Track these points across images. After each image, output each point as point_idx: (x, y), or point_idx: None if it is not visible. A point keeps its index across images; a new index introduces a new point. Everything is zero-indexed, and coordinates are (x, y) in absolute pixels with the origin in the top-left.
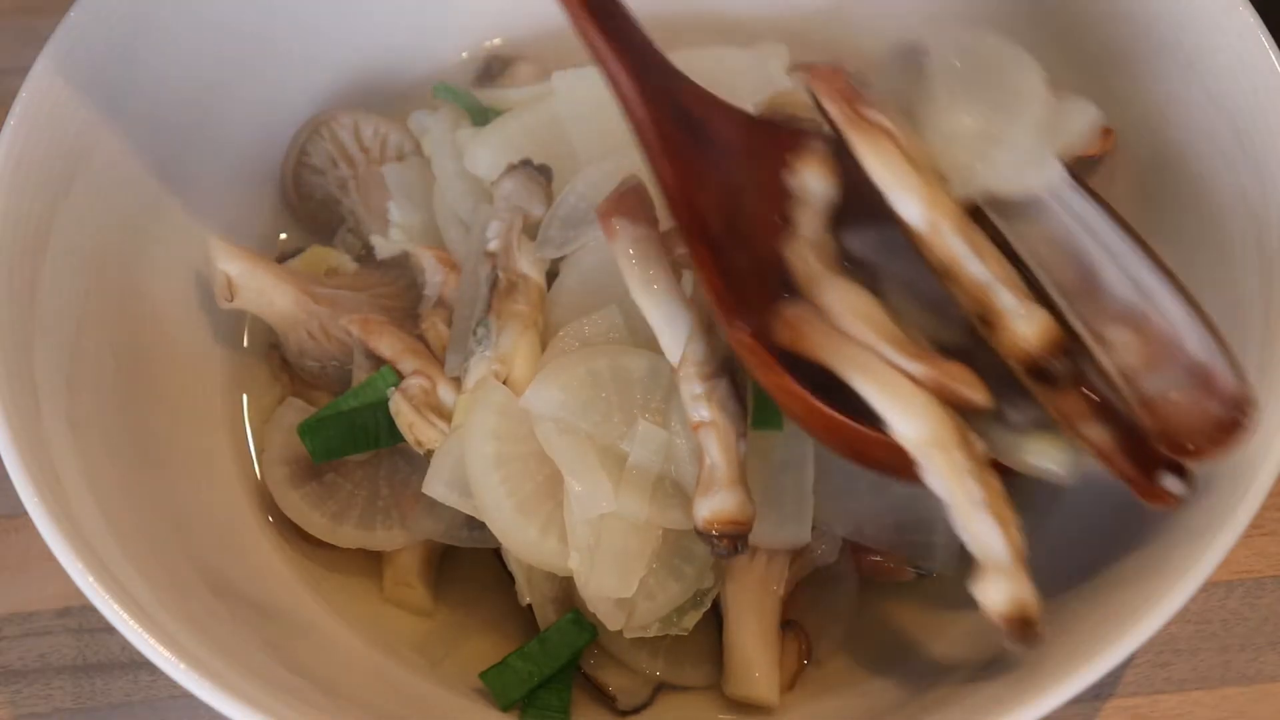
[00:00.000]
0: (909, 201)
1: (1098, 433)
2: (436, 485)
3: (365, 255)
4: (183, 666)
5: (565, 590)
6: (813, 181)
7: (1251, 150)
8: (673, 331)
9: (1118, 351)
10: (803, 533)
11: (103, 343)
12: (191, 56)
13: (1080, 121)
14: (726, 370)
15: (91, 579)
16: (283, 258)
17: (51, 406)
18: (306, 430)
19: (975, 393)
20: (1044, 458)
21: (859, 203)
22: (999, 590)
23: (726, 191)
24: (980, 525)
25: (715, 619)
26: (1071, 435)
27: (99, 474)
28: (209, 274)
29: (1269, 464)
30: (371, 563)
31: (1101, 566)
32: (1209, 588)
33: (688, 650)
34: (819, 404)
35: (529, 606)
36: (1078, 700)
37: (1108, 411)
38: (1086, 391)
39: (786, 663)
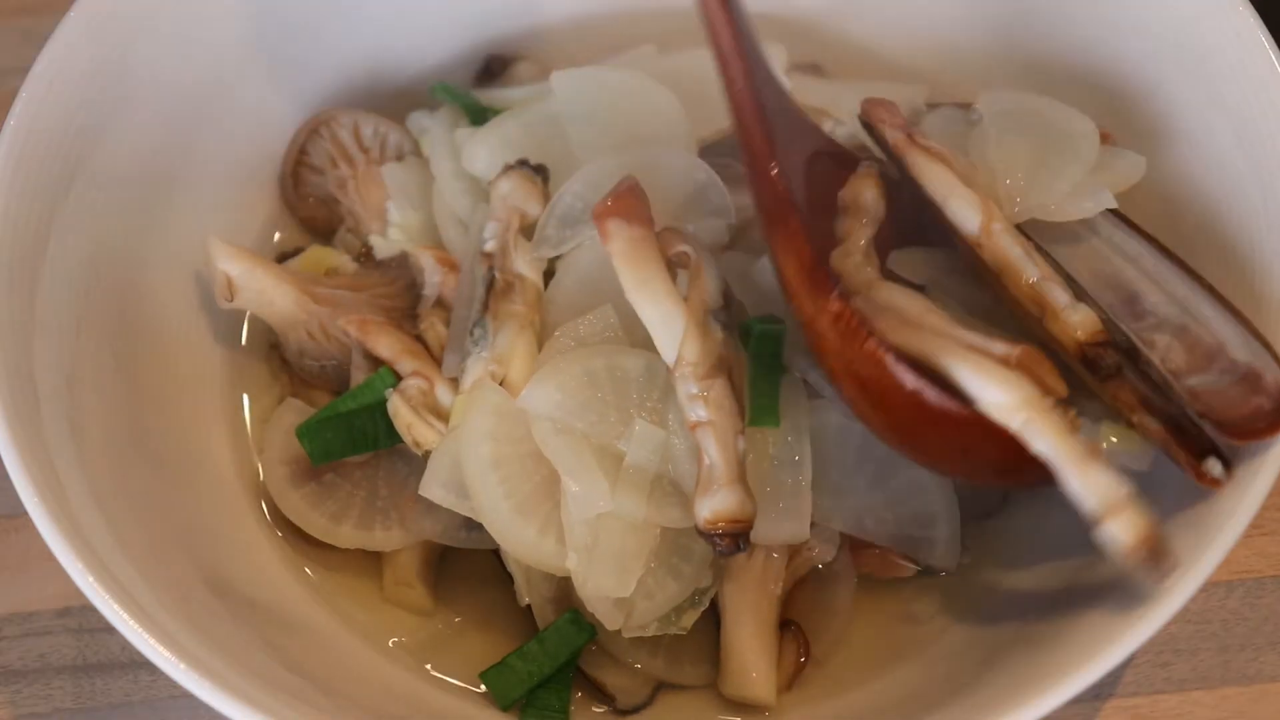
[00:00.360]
0: (965, 209)
1: (1150, 420)
2: (433, 487)
3: (364, 255)
4: (183, 666)
5: (564, 590)
6: (869, 195)
7: (1251, 150)
8: (669, 331)
9: (1163, 354)
10: (801, 529)
11: (103, 343)
12: (191, 56)
13: (1129, 170)
14: (722, 369)
15: (91, 579)
16: (282, 258)
17: (51, 406)
18: (305, 432)
19: (1053, 376)
20: (1124, 441)
21: (903, 228)
22: (1127, 527)
23: (800, 183)
24: (1093, 473)
25: (714, 617)
26: (1129, 421)
27: (99, 474)
28: (209, 274)
29: (1269, 464)
30: (371, 563)
31: (1102, 566)
32: (1209, 588)
33: (686, 649)
34: (907, 372)
35: (528, 607)
36: (1078, 700)
37: (1157, 401)
38: (1135, 383)
39: (784, 662)
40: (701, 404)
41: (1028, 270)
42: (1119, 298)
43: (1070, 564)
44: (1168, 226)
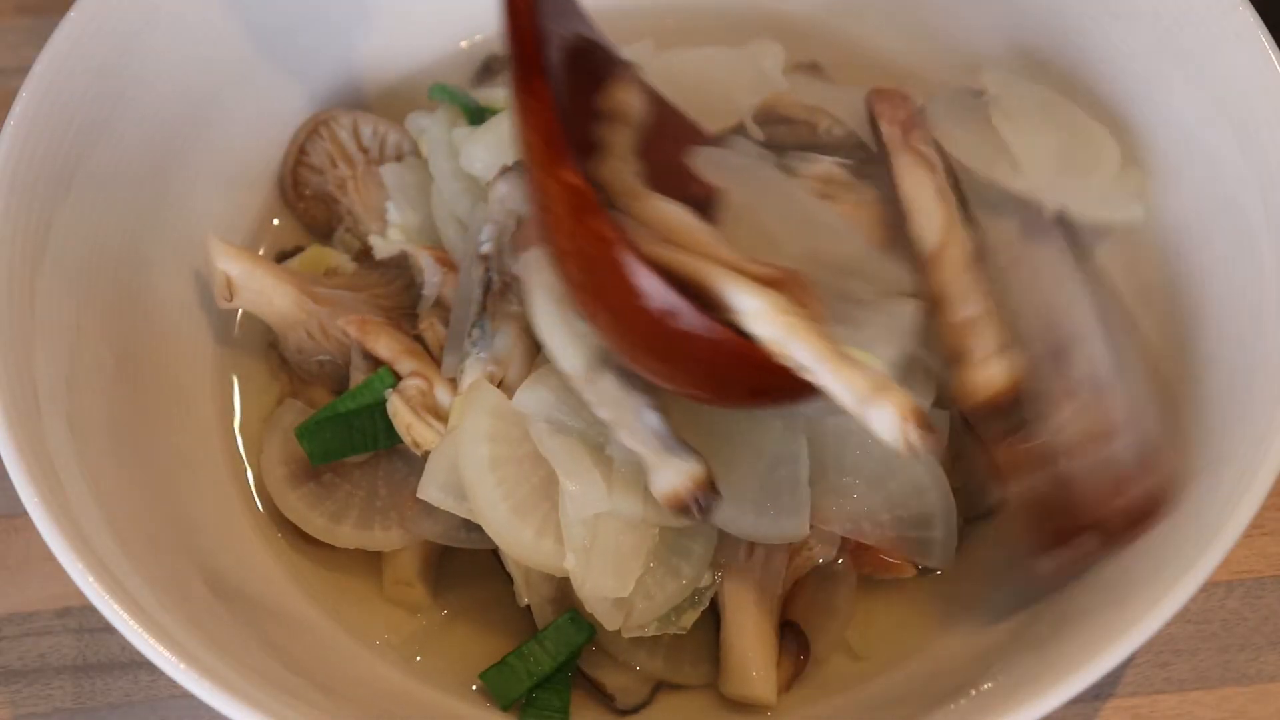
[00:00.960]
0: (928, 224)
1: (1023, 484)
2: (431, 489)
3: (363, 255)
4: (182, 666)
5: (563, 591)
6: (632, 101)
7: (1252, 151)
8: (571, 354)
9: (1063, 424)
10: (800, 527)
11: (102, 342)
12: (191, 56)
13: (1145, 187)
14: (606, 365)
15: (92, 579)
16: (281, 257)
17: (51, 407)
18: (304, 433)
19: (814, 301)
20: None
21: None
22: (890, 407)
23: (561, 69)
24: (848, 366)
25: (715, 617)
26: (998, 474)
27: (99, 474)
28: (208, 274)
29: (1269, 464)
30: (370, 562)
31: (1101, 567)
32: (1209, 588)
33: (686, 649)
34: (645, 268)
35: (527, 607)
36: (1078, 700)
37: (1038, 467)
38: (1023, 443)
39: (784, 662)
40: (602, 406)
41: (964, 305)
42: (1051, 346)
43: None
44: (1166, 228)
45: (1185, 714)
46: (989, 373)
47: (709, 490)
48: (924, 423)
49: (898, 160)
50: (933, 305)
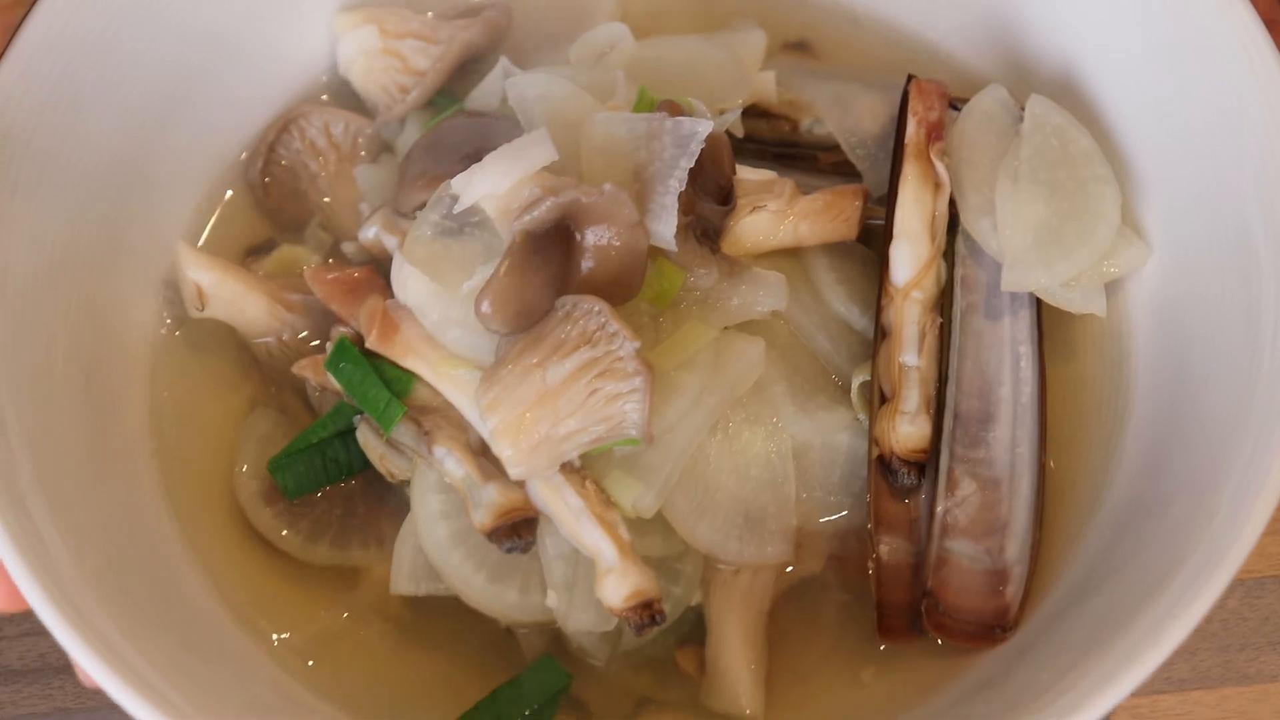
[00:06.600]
0: (906, 258)
1: (890, 549)
2: (402, 583)
3: (336, 250)
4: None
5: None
6: None
7: (1252, 151)
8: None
9: (957, 502)
10: (785, 551)
11: (71, 354)
12: (157, 56)
13: (1133, 258)
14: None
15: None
16: (251, 252)
17: (17, 425)
18: (277, 467)
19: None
20: None
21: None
22: (616, 588)
23: None
24: (586, 533)
25: (703, 631)
26: (877, 526)
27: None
28: (178, 282)
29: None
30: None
31: (1099, 593)
32: None
33: (672, 665)
34: None
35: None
36: None
37: (916, 536)
38: (913, 508)
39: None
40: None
41: (909, 350)
42: (976, 414)
43: (1064, 584)
44: (1166, 228)
45: (1185, 714)
46: (909, 429)
47: (658, 610)
48: (650, 608)
49: (908, 166)
50: (883, 333)
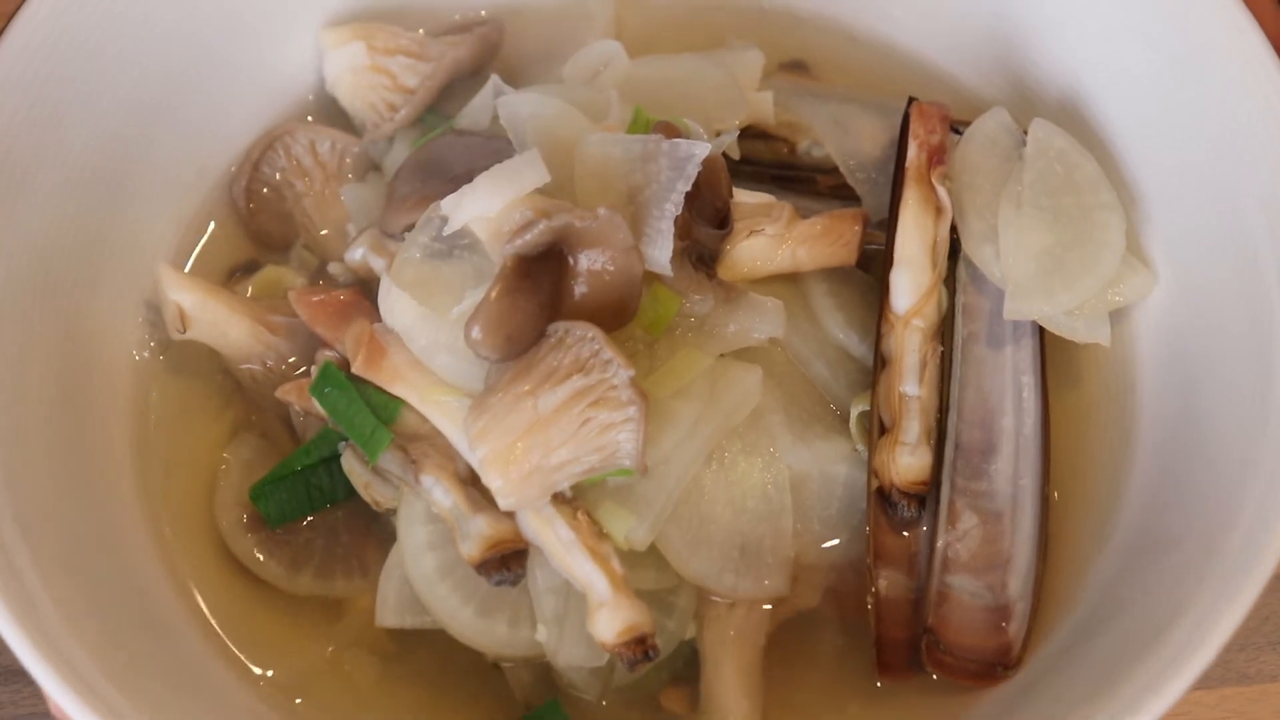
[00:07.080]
0: (907, 285)
1: (889, 583)
2: (387, 615)
3: (321, 272)
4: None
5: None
6: None
7: (1259, 176)
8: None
9: (958, 536)
10: (782, 585)
11: (48, 377)
12: (141, 67)
13: (1138, 287)
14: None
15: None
16: (234, 273)
17: None
18: (259, 495)
19: None
20: None
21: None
22: (608, 622)
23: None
24: (578, 566)
25: (695, 668)
26: (876, 558)
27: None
28: (160, 303)
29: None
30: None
31: (1120, 619)
32: None
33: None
34: None
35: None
36: None
37: (915, 570)
38: (913, 541)
39: None
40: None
41: (909, 379)
42: (978, 444)
43: (1069, 620)
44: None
45: (1185, 714)
46: (909, 460)
47: (652, 645)
48: (643, 644)
49: (909, 191)
50: (882, 361)
